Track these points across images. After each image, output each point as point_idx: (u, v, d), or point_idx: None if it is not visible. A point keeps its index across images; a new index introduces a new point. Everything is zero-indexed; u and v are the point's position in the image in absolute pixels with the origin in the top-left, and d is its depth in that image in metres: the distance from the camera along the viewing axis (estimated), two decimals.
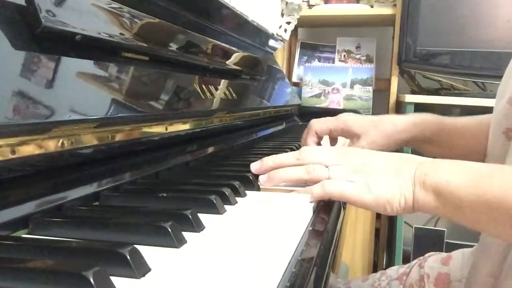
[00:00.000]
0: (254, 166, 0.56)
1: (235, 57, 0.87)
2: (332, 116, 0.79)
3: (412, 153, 0.85)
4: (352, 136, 0.76)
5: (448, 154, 0.74)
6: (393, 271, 0.84)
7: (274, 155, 0.56)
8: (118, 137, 0.47)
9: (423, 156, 0.54)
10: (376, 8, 1.74)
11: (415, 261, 0.83)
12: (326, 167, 0.52)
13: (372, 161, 0.52)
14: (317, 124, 0.77)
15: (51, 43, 0.40)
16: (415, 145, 0.80)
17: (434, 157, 0.53)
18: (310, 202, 0.49)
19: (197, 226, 0.37)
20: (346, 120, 0.76)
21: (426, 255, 0.83)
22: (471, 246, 0.77)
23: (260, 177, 0.54)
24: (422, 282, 0.77)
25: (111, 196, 0.45)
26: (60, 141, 0.38)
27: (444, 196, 0.48)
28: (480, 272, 0.61)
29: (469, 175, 0.47)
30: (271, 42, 1.29)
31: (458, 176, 0.48)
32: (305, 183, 0.52)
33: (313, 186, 0.50)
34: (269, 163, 0.55)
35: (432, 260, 0.79)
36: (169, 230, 0.33)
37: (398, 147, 0.79)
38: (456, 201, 0.47)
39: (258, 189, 0.53)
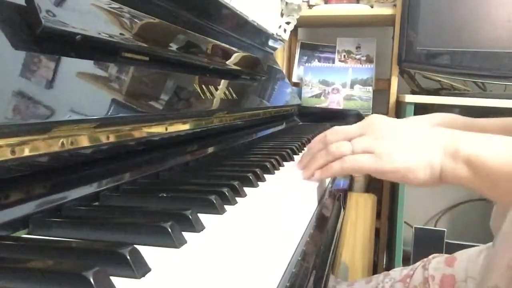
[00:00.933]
0: (300, 165, 0.59)
1: (235, 57, 0.87)
2: (331, 116, 0.78)
3: None
4: None
5: None
6: (396, 272, 0.84)
7: (306, 149, 0.59)
8: (118, 137, 0.47)
9: None
10: (376, 8, 1.74)
11: (418, 263, 0.83)
12: (350, 141, 0.53)
13: (401, 129, 0.52)
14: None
15: (51, 43, 0.40)
16: None
17: None
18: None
19: (197, 226, 0.37)
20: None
21: (430, 256, 0.82)
22: (471, 246, 0.78)
23: (313, 178, 0.56)
24: (427, 284, 0.77)
25: (111, 196, 0.45)
26: (60, 141, 0.38)
27: (476, 166, 0.47)
28: (499, 264, 0.61)
29: (503, 147, 0.47)
30: (271, 42, 1.29)
31: (492, 147, 0.47)
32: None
33: (333, 162, 0.52)
34: (306, 158, 0.58)
35: (436, 262, 0.79)
36: (169, 230, 0.33)
37: None
38: (489, 171, 0.46)
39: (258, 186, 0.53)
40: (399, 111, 1.71)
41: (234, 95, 0.81)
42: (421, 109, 1.61)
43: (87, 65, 0.44)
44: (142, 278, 0.28)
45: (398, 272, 0.84)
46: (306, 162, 0.57)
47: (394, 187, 1.70)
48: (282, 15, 1.42)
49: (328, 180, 0.64)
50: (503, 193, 0.48)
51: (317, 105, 1.82)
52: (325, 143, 0.56)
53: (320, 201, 0.53)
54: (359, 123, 0.57)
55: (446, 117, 0.77)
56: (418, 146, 0.50)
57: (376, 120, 0.56)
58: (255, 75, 0.99)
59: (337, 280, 0.92)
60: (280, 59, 1.89)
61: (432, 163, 0.49)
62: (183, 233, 0.35)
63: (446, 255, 0.81)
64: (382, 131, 0.52)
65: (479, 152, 0.47)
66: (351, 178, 0.74)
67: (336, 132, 0.55)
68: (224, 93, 0.77)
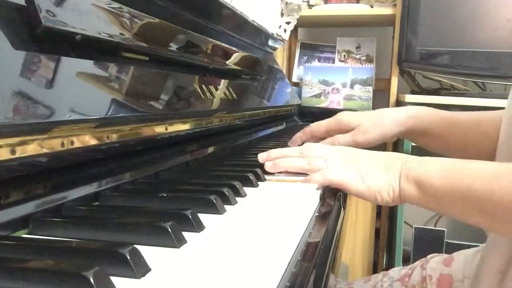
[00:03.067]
0: (261, 156, 0.62)
1: (235, 57, 0.87)
2: (331, 116, 0.81)
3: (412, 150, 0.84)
4: (349, 131, 0.79)
5: (445, 149, 0.77)
6: (395, 272, 0.84)
7: (279, 148, 0.63)
8: (118, 137, 0.47)
9: (421, 149, 0.58)
10: (376, 8, 1.74)
11: (417, 262, 0.83)
12: (325, 160, 0.58)
13: (365, 157, 0.58)
14: (315, 126, 0.82)
15: (51, 43, 0.40)
16: (411, 137, 0.84)
17: (432, 151, 0.57)
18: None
19: (197, 226, 0.37)
20: (339, 118, 0.81)
21: (428, 256, 0.83)
22: (472, 246, 0.78)
23: (266, 163, 0.60)
24: (424, 283, 0.77)
25: (111, 196, 0.45)
26: (60, 141, 0.38)
27: (424, 187, 0.53)
28: (489, 268, 0.61)
29: (446, 168, 0.53)
30: (271, 42, 1.29)
31: (437, 169, 0.53)
32: (305, 174, 0.58)
33: (313, 174, 0.56)
34: (275, 154, 0.62)
35: (434, 262, 0.79)
36: (169, 230, 0.33)
37: (394, 139, 0.84)
38: (434, 191, 0.52)
39: (259, 185, 0.54)
40: None
41: (234, 95, 0.81)
42: None
43: (87, 65, 0.44)
44: (142, 278, 0.28)
45: (397, 271, 0.84)
46: (273, 158, 0.61)
47: None
48: (282, 15, 1.42)
49: None
50: (447, 210, 0.53)
51: (317, 105, 1.82)
52: (302, 154, 0.60)
53: (320, 201, 0.53)
54: (333, 146, 0.63)
55: (420, 110, 0.81)
56: (382, 170, 0.56)
57: (346, 147, 0.63)
58: (255, 75, 0.99)
59: (337, 280, 0.92)
60: (280, 59, 1.89)
61: (393, 185, 0.55)
62: (183, 233, 0.35)
63: (445, 255, 0.81)
64: (352, 157, 0.58)
65: (425, 174, 0.53)
66: None
67: (311, 150, 0.61)
68: (224, 93, 0.77)
